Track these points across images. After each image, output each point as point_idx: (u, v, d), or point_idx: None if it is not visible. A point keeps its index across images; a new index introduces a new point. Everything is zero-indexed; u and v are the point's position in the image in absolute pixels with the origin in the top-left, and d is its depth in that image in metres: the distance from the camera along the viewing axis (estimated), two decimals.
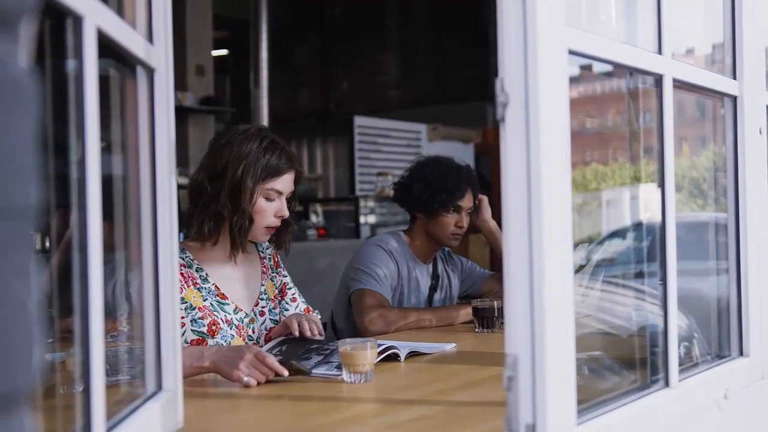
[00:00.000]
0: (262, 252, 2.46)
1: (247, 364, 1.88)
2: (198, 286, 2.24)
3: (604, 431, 1.31)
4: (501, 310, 2.66)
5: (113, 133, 1.34)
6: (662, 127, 1.53)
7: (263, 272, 2.43)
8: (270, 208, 2.26)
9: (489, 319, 2.67)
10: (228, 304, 2.27)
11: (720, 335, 1.87)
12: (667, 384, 1.51)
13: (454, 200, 2.95)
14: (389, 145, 7.97)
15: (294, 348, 2.14)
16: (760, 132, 1.87)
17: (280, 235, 2.38)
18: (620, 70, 1.61)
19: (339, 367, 1.92)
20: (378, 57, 9.81)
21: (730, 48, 1.83)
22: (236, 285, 2.33)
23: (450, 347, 2.36)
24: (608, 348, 1.78)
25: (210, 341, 2.19)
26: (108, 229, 1.03)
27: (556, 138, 1.18)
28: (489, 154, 8.03)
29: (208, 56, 7.77)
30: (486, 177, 7.27)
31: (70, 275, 0.99)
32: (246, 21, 8.22)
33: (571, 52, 1.24)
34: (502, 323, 2.63)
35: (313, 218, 7.38)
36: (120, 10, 1.21)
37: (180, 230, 1.89)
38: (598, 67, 1.54)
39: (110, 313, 1.27)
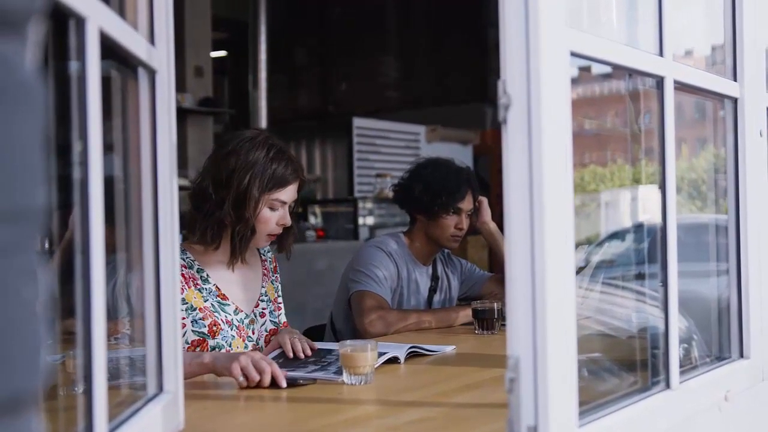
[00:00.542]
0: (264, 254, 2.46)
1: (246, 360, 1.88)
2: (199, 286, 2.24)
3: None
4: (501, 311, 2.66)
5: (114, 134, 1.34)
6: (663, 128, 1.53)
7: (264, 274, 2.43)
8: (273, 217, 2.26)
9: (489, 320, 2.66)
10: (229, 304, 2.28)
11: (720, 337, 1.87)
12: (667, 386, 1.51)
13: (454, 202, 2.95)
14: (388, 147, 7.98)
15: (293, 359, 2.13)
16: (761, 134, 1.87)
17: (282, 241, 2.37)
18: (618, 71, 1.61)
19: (338, 373, 1.92)
20: (377, 58, 9.82)
21: (730, 50, 1.83)
22: (237, 286, 2.33)
23: (450, 349, 2.35)
24: (609, 350, 1.78)
25: (210, 342, 2.19)
26: (109, 230, 1.03)
27: (557, 140, 1.18)
28: (488, 155, 8.03)
29: (207, 57, 7.77)
30: (484, 178, 7.28)
31: (69, 276, 0.99)
32: (245, 22, 8.22)
33: (573, 54, 1.24)
34: (502, 325, 2.63)
35: (312, 219, 7.38)
36: (122, 12, 1.21)
37: (179, 231, 1.89)
38: (596, 69, 1.54)
39: (110, 313, 1.27)
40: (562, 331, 1.18)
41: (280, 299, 2.49)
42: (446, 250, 3.16)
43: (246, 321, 2.30)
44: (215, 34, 8.04)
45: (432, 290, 3.09)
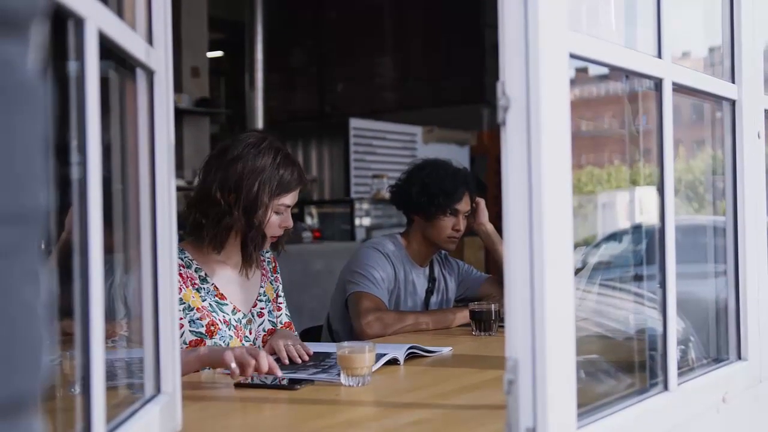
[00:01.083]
0: (262, 255, 2.46)
1: (240, 350, 1.88)
2: (197, 286, 2.24)
3: None
4: (498, 313, 2.66)
5: (113, 135, 1.33)
6: (661, 130, 1.53)
7: (263, 274, 2.43)
8: (277, 220, 2.29)
9: (486, 322, 2.66)
10: (227, 304, 2.28)
11: (718, 339, 1.87)
12: (666, 388, 1.51)
13: (452, 203, 2.95)
14: (384, 148, 7.98)
15: (290, 363, 2.12)
16: (759, 136, 1.87)
17: (277, 239, 2.38)
18: (616, 73, 1.61)
19: (337, 376, 1.92)
20: (373, 59, 9.82)
21: (728, 52, 1.83)
22: (235, 285, 2.33)
23: (447, 351, 2.35)
24: (607, 351, 1.78)
25: (208, 342, 2.19)
26: (106, 230, 1.03)
27: (557, 141, 1.18)
28: (484, 156, 8.04)
29: (204, 58, 7.77)
30: (481, 180, 7.27)
31: (66, 277, 0.98)
32: (241, 23, 8.22)
33: (572, 56, 1.24)
34: (500, 326, 2.63)
35: (309, 220, 7.37)
36: (120, 12, 1.21)
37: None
38: (593, 70, 1.54)
39: (106, 314, 1.26)
40: (561, 333, 1.18)
41: (281, 299, 2.49)
42: (443, 252, 3.16)
43: (243, 321, 2.31)
44: (212, 34, 8.04)
45: (429, 292, 3.09)
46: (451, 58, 9.25)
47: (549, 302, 1.14)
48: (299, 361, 2.11)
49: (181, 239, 2.34)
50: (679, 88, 1.58)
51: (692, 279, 1.89)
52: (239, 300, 2.33)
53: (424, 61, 9.61)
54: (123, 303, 1.50)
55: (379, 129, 8.02)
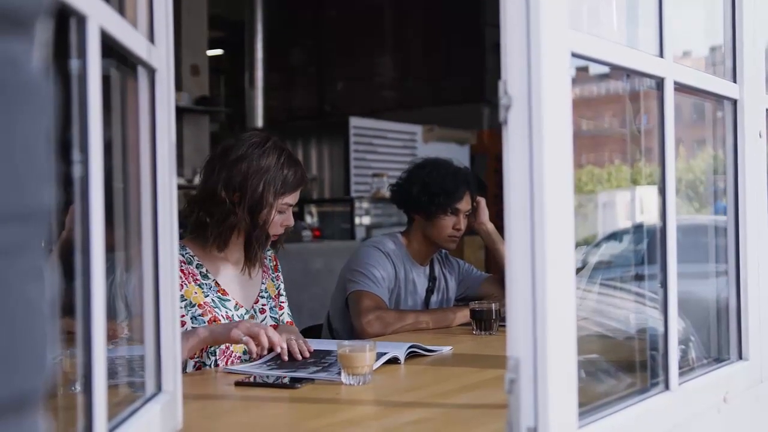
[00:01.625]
0: (263, 252, 2.47)
1: (246, 326, 1.96)
2: (199, 282, 2.25)
3: None
4: (499, 312, 2.66)
5: (114, 132, 1.33)
6: (663, 129, 1.53)
7: (264, 271, 2.44)
8: (280, 219, 2.30)
9: (487, 321, 2.66)
10: (229, 300, 2.29)
11: (719, 338, 1.87)
12: (667, 387, 1.51)
13: (452, 203, 2.95)
14: (385, 147, 7.97)
15: (290, 360, 2.12)
16: (760, 135, 1.87)
17: (277, 238, 2.39)
18: (616, 72, 1.61)
19: (340, 374, 1.91)
20: (373, 58, 9.82)
21: (730, 51, 1.83)
22: (237, 282, 2.34)
23: (447, 350, 2.35)
24: (608, 351, 1.77)
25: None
26: (107, 228, 1.03)
27: (558, 140, 1.18)
28: (484, 155, 8.04)
29: (204, 56, 7.76)
30: (481, 179, 7.27)
31: (66, 275, 0.98)
32: (241, 21, 8.22)
33: (574, 55, 1.24)
34: (501, 326, 2.63)
35: (308, 219, 7.38)
36: (121, 10, 1.21)
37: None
38: (594, 69, 1.54)
39: (108, 312, 1.26)
40: (562, 332, 1.18)
41: (282, 298, 2.49)
42: (444, 251, 3.16)
43: (246, 317, 2.32)
44: (212, 32, 8.03)
45: (429, 291, 3.09)
46: (452, 57, 9.25)
47: (550, 301, 1.14)
48: (299, 357, 2.11)
49: (180, 237, 2.35)
50: (680, 88, 1.58)
51: (693, 279, 1.89)
52: (241, 296, 2.34)
53: (424, 60, 9.61)
54: (123, 301, 1.50)
55: (379, 128, 8.02)
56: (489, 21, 8.60)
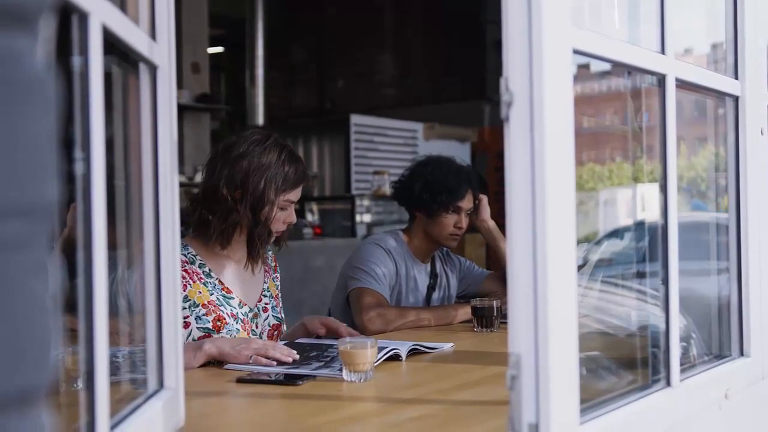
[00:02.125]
0: (266, 249, 2.47)
1: (254, 348, 2.02)
2: (203, 281, 2.26)
3: (606, 430, 1.31)
4: (500, 309, 2.66)
5: (115, 130, 1.33)
6: (664, 127, 1.53)
7: (265, 270, 2.45)
8: (281, 216, 2.30)
9: (488, 318, 2.66)
10: (233, 298, 2.30)
11: (721, 335, 1.87)
12: (668, 384, 1.51)
13: (454, 201, 2.95)
14: (385, 144, 7.98)
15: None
16: (762, 132, 1.87)
17: (280, 234, 2.40)
18: (617, 69, 1.61)
19: (339, 370, 1.92)
20: (374, 56, 9.81)
21: (732, 48, 1.83)
22: (240, 281, 2.35)
23: (448, 347, 2.35)
24: (609, 348, 1.77)
25: (215, 336, 2.20)
26: (109, 226, 1.03)
27: (560, 137, 1.18)
28: (485, 152, 8.04)
29: (204, 54, 7.76)
30: (483, 177, 7.27)
31: (68, 272, 0.98)
32: (242, 19, 8.22)
33: (576, 52, 1.24)
34: (502, 323, 2.63)
35: (309, 217, 7.38)
36: (123, 7, 1.21)
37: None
38: (595, 66, 1.54)
39: (110, 310, 1.27)
40: (563, 329, 1.18)
41: (279, 297, 2.50)
42: (445, 248, 3.16)
43: (250, 315, 2.32)
44: (212, 30, 8.03)
45: (431, 288, 3.09)
46: (452, 54, 9.25)
47: (551, 298, 1.14)
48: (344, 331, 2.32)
49: (182, 235, 2.35)
50: (682, 84, 1.58)
51: (694, 276, 1.89)
52: (244, 295, 2.34)
53: (424, 57, 9.61)
54: (125, 299, 1.50)
55: (380, 125, 8.02)
56: (489, 18, 8.60)
